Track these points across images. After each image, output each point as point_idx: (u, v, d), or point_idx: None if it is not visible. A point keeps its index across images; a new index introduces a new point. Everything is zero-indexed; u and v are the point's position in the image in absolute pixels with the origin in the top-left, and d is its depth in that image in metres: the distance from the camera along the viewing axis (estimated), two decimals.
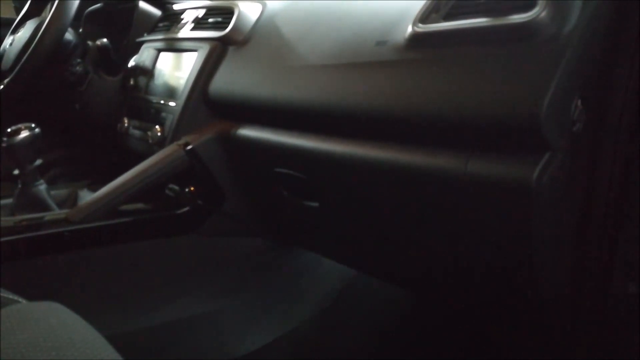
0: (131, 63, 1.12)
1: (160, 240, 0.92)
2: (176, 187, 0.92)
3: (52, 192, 0.98)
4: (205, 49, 0.93)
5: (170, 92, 0.98)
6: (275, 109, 0.78)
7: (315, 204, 0.80)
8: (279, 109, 0.77)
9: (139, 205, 0.91)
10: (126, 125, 1.07)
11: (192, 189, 0.92)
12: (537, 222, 0.54)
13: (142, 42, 1.14)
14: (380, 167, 0.65)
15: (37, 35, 1.02)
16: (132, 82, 1.10)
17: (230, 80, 0.88)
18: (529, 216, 0.53)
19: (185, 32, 1.04)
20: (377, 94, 0.63)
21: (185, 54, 0.99)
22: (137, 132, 1.04)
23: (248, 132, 0.84)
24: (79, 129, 1.24)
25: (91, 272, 0.87)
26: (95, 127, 1.18)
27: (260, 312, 1.03)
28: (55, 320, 0.58)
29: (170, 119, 0.94)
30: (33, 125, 0.89)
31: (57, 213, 0.88)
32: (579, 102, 0.55)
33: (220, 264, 1.00)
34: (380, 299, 1.11)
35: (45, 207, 0.91)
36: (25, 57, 1.02)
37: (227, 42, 0.92)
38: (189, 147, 0.88)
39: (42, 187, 0.91)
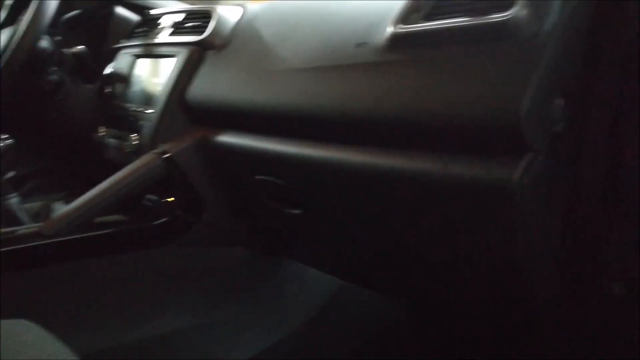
0: (107, 70, 1.10)
1: (139, 253, 0.89)
2: (154, 197, 0.90)
3: (25, 205, 0.95)
4: (183, 54, 0.91)
5: (147, 99, 0.96)
6: (255, 114, 0.76)
7: (297, 212, 0.78)
8: (258, 113, 0.75)
9: (116, 217, 0.88)
10: (102, 134, 1.04)
11: (170, 199, 0.89)
12: (521, 224, 0.52)
13: (120, 49, 1.12)
14: (360, 172, 0.63)
15: (11, 43, 0.99)
16: (108, 90, 1.07)
17: (209, 85, 0.86)
18: (512, 218, 0.52)
19: (164, 37, 1.01)
20: (357, 96, 0.62)
21: (163, 60, 0.97)
22: (113, 141, 1.01)
23: (227, 138, 0.82)
24: (55, 140, 1.21)
25: (66, 287, 0.84)
26: (72, 136, 1.15)
27: (247, 323, 1.00)
28: (26, 337, 0.56)
29: (147, 127, 0.91)
30: (6, 136, 0.86)
31: (29, 227, 0.85)
32: (561, 102, 0.54)
33: (202, 275, 0.97)
34: (368, 308, 1.09)
35: (17, 221, 0.88)
36: None
37: (205, 46, 0.90)
38: (166, 155, 0.86)
39: (13, 200, 0.88)
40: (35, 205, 1.00)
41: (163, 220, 0.89)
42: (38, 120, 1.18)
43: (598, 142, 0.56)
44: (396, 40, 0.61)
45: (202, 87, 0.87)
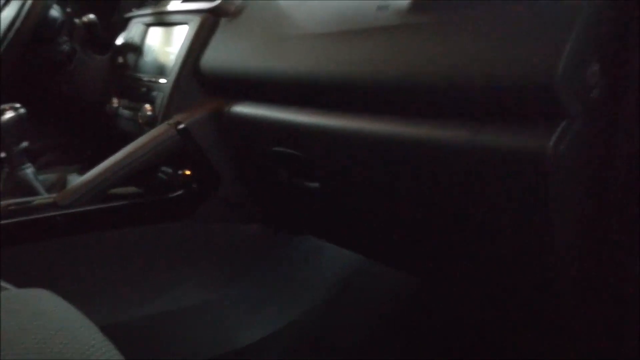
0: (119, 40, 1.08)
1: (153, 227, 0.89)
2: (169, 170, 0.89)
3: (41, 177, 0.94)
4: (195, 21, 0.88)
5: (161, 69, 0.94)
6: (271, 83, 0.74)
7: (316, 185, 0.77)
8: (275, 82, 0.73)
9: (130, 189, 0.88)
10: (115, 105, 1.03)
11: (185, 172, 0.88)
12: (554, 195, 0.50)
13: (131, 18, 1.09)
14: (384, 142, 0.61)
15: (21, 13, 0.98)
16: (120, 60, 1.06)
17: (223, 54, 0.83)
18: (545, 189, 0.49)
19: (175, 4, 0.99)
20: (379, 62, 0.59)
21: (175, 28, 0.94)
22: (126, 112, 1.00)
23: (242, 109, 0.80)
24: (68, 112, 1.20)
25: (81, 259, 0.84)
26: (84, 108, 1.14)
27: (260, 302, 0.99)
28: (44, 306, 0.55)
29: (161, 97, 0.90)
30: (18, 105, 0.85)
31: (44, 197, 0.84)
32: (597, 67, 0.51)
33: (216, 251, 0.96)
34: (388, 289, 1.06)
35: (33, 191, 0.87)
36: (9, 36, 0.98)
37: (218, 13, 0.87)
38: (181, 126, 0.84)
39: (29, 170, 0.88)
40: (50, 177, 0.99)
41: (177, 193, 0.88)
42: (50, 92, 1.17)
43: (635, 110, 0.53)
44: (420, 2, 0.58)
45: (216, 56, 0.84)
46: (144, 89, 0.96)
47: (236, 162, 0.88)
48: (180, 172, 0.88)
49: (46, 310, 0.55)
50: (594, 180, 0.55)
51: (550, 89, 0.46)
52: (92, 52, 1.11)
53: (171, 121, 0.85)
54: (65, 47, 1.09)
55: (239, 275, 0.98)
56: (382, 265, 1.01)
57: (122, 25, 1.11)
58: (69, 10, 1.17)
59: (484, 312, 0.90)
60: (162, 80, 0.92)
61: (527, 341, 0.80)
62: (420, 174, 0.60)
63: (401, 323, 1.00)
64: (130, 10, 1.13)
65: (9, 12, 1.08)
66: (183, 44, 0.89)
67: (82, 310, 0.52)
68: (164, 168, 0.89)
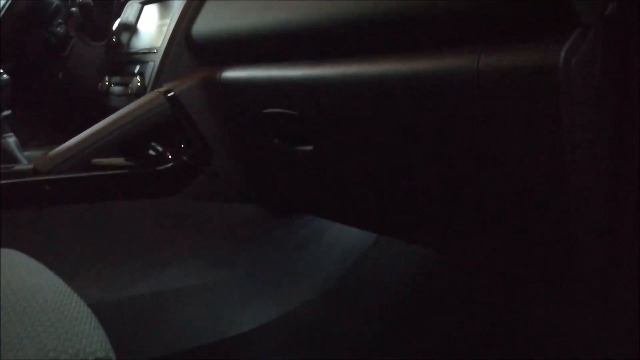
0: (116, 24, 1.06)
1: (139, 202, 0.84)
2: (158, 143, 0.85)
3: (26, 154, 0.90)
4: None
5: (153, 41, 0.92)
6: (262, 39, 0.71)
7: (309, 148, 0.72)
8: (266, 37, 0.70)
9: (117, 160, 0.83)
10: (107, 83, 1.00)
11: (176, 144, 0.84)
12: (568, 119, 0.45)
13: (126, 1, 1.09)
14: (382, 83, 0.57)
15: None
16: (114, 40, 1.04)
17: (214, 19, 0.81)
18: (557, 111, 0.45)
19: None
20: None
21: (169, 2, 0.93)
22: (117, 89, 0.97)
23: (234, 73, 0.77)
24: (61, 101, 1.17)
25: (62, 231, 0.79)
26: (80, 98, 1.10)
27: (256, 289, 0.92)
28: (14, 265, 0.52)
29: (151, 67, 0.87)
30: (1, 70, 0.83)
31: (25, 164, 0.80)
32: None
33: (209, 231, 0.91)
34: (394, 277, 0.99)
35: (14, 160, 0.83)
36: (1, 15, 0.97)
37: None
38: (171, 93, 0.80)
39: (10, 139, 0.84)
40: (36, 153, 0.95)
41: (166, 166, 0.83)
42: (44, 80, 1.14)
43: None
44: None
45: (208, 22, 0.82)
46: (135, 64, 0.93)
47: (228, 132, 0.84)
48: (170, 144, 0.83)
49: (15, 268, 0.51)
50: (610, 104, 0.50)
51: None
52: (88, 38, 1.10)
53: (161, 89, 0.82)
54: (60, 30, 1.07)
55: (234, 259, 0.92)
56: (387, 251, 0.94)
57: (119, 10, 1.09)
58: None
59: (500, 297, 0.81)
60: (153, 51, 0.89)
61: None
62: (422, 114, 0.55)
63: (409, 315, 0.92)
64: None
65: None
66: (174, 12, 0.87)
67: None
68: (153, 143, 0.85)
